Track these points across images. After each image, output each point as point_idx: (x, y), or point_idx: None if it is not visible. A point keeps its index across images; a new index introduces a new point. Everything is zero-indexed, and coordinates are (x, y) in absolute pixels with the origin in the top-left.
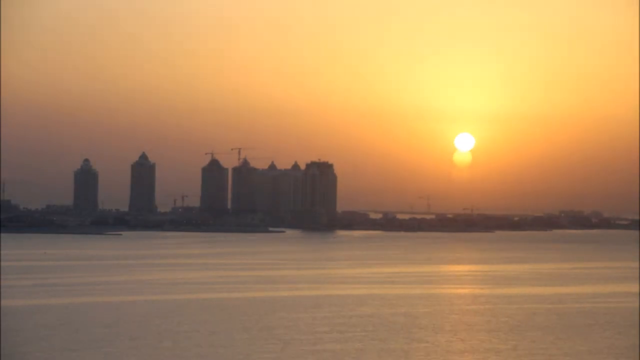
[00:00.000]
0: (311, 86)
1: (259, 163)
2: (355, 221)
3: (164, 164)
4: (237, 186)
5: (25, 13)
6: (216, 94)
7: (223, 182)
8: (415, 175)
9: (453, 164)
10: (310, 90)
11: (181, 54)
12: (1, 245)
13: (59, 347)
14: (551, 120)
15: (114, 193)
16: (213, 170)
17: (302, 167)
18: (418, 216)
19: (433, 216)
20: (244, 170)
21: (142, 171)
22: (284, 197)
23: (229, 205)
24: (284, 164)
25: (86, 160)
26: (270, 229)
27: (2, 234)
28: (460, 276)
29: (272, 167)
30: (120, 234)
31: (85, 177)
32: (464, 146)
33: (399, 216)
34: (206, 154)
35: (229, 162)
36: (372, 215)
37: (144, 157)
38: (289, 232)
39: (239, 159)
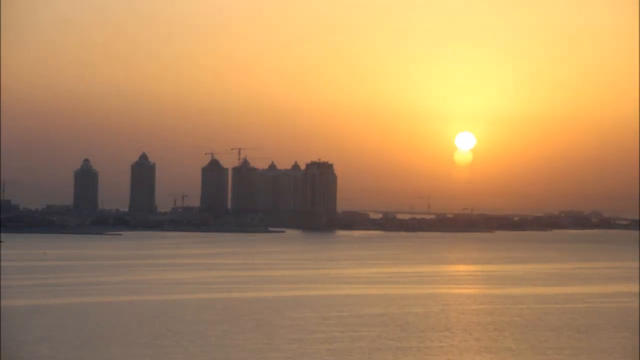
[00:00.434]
0: (311, 86)
1: (259, 163)
2: (355, 221)
3: (164, 164)
4: (237, 186)
5: (25, 13)
6: (216, 94)
7: (223, 182)
8: (415, 175)
9: (454, 163)
10: (311, 91)
11: (181, 54)
12: (1, 245)
13: (59, 347)
14: (551, 121)
15: (114, 193)
16: (213, 170)
17: (302, 167)
18: (418, 216)
19: (433, 216)
20: (244, 170)
21: (142, 171)
22: (284, 197)
23: (229, 205)
24: (284, 164)
25: (86, 160)
26: (270, 229)
27: (2, 234)
28: (461, 276)
29: (272, 167)
30: (120, 234)
31: (85, 177)
32: (465, 145)
33: (399, 216)
34: (206, 154)
35: (229, 162)
36: (372, 215)
37: (144, 157)
38: (289, 232)
39: (239, 159)
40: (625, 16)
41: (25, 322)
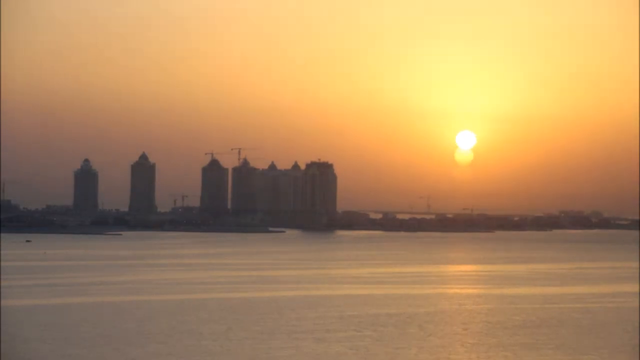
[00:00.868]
0: (311, 86)
1: (259, 163)
2: (355, 221)
3: (164, 164)
4: (237, 186)
5: (25, 13)
6: (216, 95)
7: (223, 182)
8: (415, 175)
9: (454, 162)
10: (311, 91)
11: (181, 54)
12: (1, 245)
13: (59, 347)
14: (551, 121)
15: (114, 193)
16: (213, 170)
17: (302, 167)
18: (418, 216)
19: (433, 216)
20: (244, 170)
21: (142, 171)
22: (284, 197)
23: (229, 205)
24: (284, 164)
25: (86, 160)
26: (270, 229)
27: (2, 234)
28: (461, 276)
29: (272, 167)
30: (120, 234)
31: (85, 177)
32: (466, 144)
33: (399, 216)
34: (206, 154)
35: (229, 162)
36: (372, 215)
37: (144, 157)
38: (289, 232)
39: (239, 159)
40: (626, 17)
41: (25, 322)
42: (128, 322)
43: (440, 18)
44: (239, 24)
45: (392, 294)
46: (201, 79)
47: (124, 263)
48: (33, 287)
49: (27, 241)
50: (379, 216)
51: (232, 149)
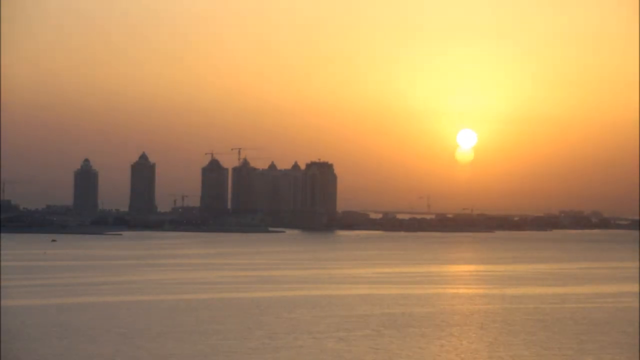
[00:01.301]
0: (311, 86)
1: (259, 163)
2: (355, 221)
3: (164, 164)
4: (237, 186)
5: (25, 13)
6: (216, 95)
7: (223, 182)
8: (415, 175)
9: (455, 160)
10: (311, 91)
11: (181, 54)
12: (1, 245)
13: (59, 347)
14: (551, 121)
15: (114, 193)
16: (213, 170)
17: (302, 167)
18: (418, 216)
19: (433, 216)
20: (244, 170)
21: (142, 171)
22: (284, 197)
23: (229, 205)
24: (284, 164)
25: (86, 160)
26: (270, 229)
27: (2, 234)
28: (462, 276)
29: (272, 167)
30: (120, 234)
31: (85, 177)
32: (466, 143)
33: (399, 216)
34: (206, 154)
35: (229, 162)
36: (372, 215)
37: (144, 157)
38: (289, 232)
39: (239, 159)
40: (626, 19)
41: (25, 322)
42: (128, 322)
43: (441, 18)
44: (239, 25)
45: (394, 294)
46: (201, 79)
47: (124, 263)
48: (33, 287)
49: (53, 240)
50: (379, 216)
51: (232, 149)
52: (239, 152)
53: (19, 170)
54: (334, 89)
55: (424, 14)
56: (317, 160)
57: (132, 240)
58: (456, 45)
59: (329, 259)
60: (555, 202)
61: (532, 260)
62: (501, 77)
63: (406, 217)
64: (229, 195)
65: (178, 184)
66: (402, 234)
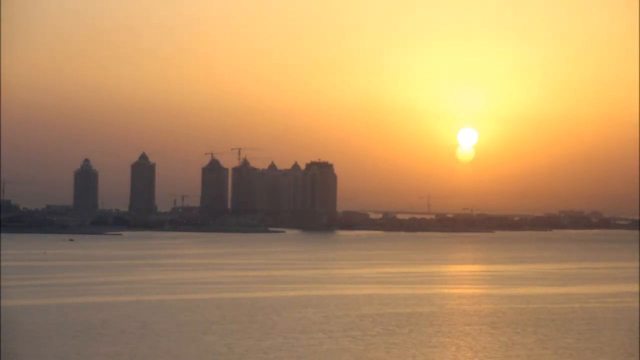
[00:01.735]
0: (311, 86)
1: (259, 163)
2: (355, 221)
3: (164, 164)
4: (237, 186)
5: (25, 13)
6: (216, 95)
7: (223, 182)
8: (415, 175)
9: (456, 159)
10: (311, 91)
11: (181, 54)
12: (1, 245)
13: (60, 347)
14: (551, 121)
15: (114, 193)
16: (213, 170)
17: (302, 167)
18: (418, 216)
19: (433, 216)
20: (244, 170)
21: (142, 171)
22: (284, 197)
23: (229, 205)
24: (284, 164)
25: (86, 160)
26: (270, 229)
27: (2, 234)
28: (462, 276)
29: (272, 167)
30: (120, 234)
31: (85, 177)
32: (467, 142)
33: (399, 216)
34: (206, 154)
35: (229, 162)
36: (372, 215)
37: (144, 157)
38: (289, 232)
39: (239, 159)
40: (626, 19)
41: (25, 322)
42: (129, 322)
43: (441, 18)
44: (239, 25)
45: (395, 294)
46: (201, 79)
47: (125, 263)
48: (33, 287)
49: (70, 240)
50: (379, 216)
51: (232, 149)
52: (239, 152)
53: (19, 170)
54: (334, 89)
55: (424, 14)
56: (317, 160)
57: (132, 240)
58: (456, 45)
59: (330, 259)
60: (555, 202)
61: (532, 260)
62: (502, 77)
63: (406, 217)
64: (229, 195)
65: (178, 184)
66: (402, 234)
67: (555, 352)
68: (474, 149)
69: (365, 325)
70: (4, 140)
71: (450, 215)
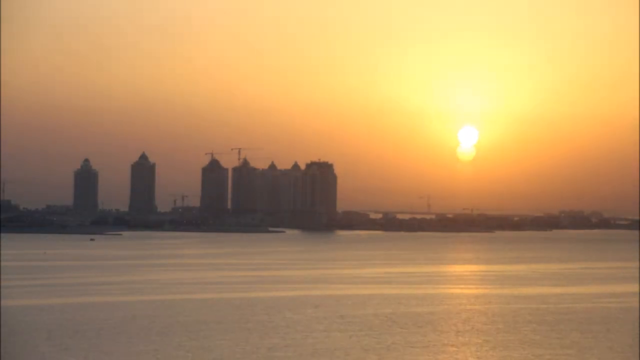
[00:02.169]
0: (311, 87)
1: (259, 163)
2: (355, 221)
3: (164, 164)
4: (237, 186)
5: (25, 13)
6: (216, 95)
7: (223, 182)
8: (415, 175)
9: (456, 158)
10: (311, 91)
11: (181, 54)
12: (1, 245)
13: (59, 347)
14: (551, 122)
15: (114, 193)
16: (213, 170)
17: (302, 167)
18: (418, 216)
19: (433, 216)
20: (244, 170)
21: (142, 171)
22: (284, 197)
23: (229, 205)
24: (284, 164)
25: (86, 160)
26: (270, 229)
27: (2, 234)
28: (463, 276)
29: (272, 167)
30: (121, 234)
31: (85, 177)
32: (468, 140)
33: (399, 216)
34: (206, 154)
35: (229, 162)
36: (372, 215)
37: (144, 157)
38: (289, 232)
39: (239, 159)
40: (625, 19)
41: (25, 322)
42: (129, 322)
43: (441, 18)
44: (240, 25)
45: (396, 294)
46: (201, 79)
47: (125, 263)
48: (33, 287)
49: (91, 240)
50: (379, 216)
51: (232, 149)
52: (239, 152)
53: (19, 170)
54: (334, 89)
55: (424, 15)
56: (317, 160)
57: (132, 240)
58: (457, 45)
59: (330, 259)
60: (555, 202)
61: (533, 260)
62: (502, 77)
63: (406, 217)
64: (229, 195)
65: (178, 184)
66: (402, 234)
67: (555, 352)
68: (474, 148)
69: (365, 325)
70: (4, 140)
71: (450, 215)
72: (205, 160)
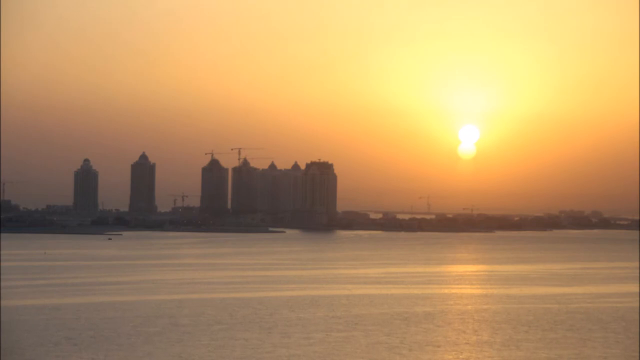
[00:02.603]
0: (311, 87)
1: (259, 163)
2: (355, 221)
3: (164, 164)
4: (237, 186)
5: (25, 14)
6: (216, 95)
7: (223, 182)
8: (415, 176)
9: (457, 156)
10: (311, 91)
11: (182, 54)
12: (1, 245)
13: (59, 346)
14: (552, 122)
15: (114, 193)
16: (213, 170)
17: (302, 167)
18: (418, 216)
19: (433, 216)
20: (244, 170)
21: (142, 171)
22: (284, 197)
23: (229, 205)
24: (284, 164)
25: (86, 160)
26: (270, 229)
27: (2, 234)
28: (463, 276)
29: (272, 167)
30: (121, 234)
31: (85, 177)
32: (469, 139)
33: (399, 216)
34: (206, 154)
35: (229, 162)
36: (373, 216)
37: (144, 157)
38: (289, 232)
39: (239, 159)
40: (628, 20)
41: (25, 322)
42: (129, 322)
43: (441, 19)
44: (241, 25)
45: (396, 294)
46: (201, 80)
47: (125, 263)
48: (33, 287)
49: (109, 239)
50: (379, 216)
51: (232, 149)
52: (239, 152)
53: (19, 170)
54: (334, 90)
55: (426, 14)
56: (317, 160)
57: (132, 240)
58: (458, 45)
59: (330, 259)
60: (555, 202)
61: (533, 260)
62: (504, 77)
63: (406, 217)
64: (229, 195)
65: (178, 184)
66: (402, 234)
67: (556, 351)
68: (475, 147)
69: (366, 325)
70: (4, 140)
71: (450, 215)
72: (205, 160)
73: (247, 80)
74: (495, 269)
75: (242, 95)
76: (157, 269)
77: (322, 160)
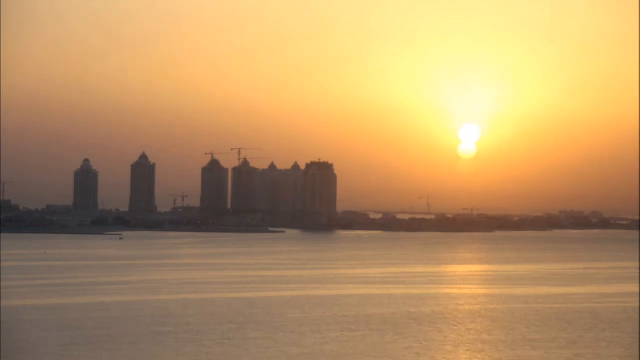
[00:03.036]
0: (311, 87)
1: (259, 163)
2: (355, 221)
3: (164, 164)
4: (237, 186)
5: (25, 14)
6: (216, 95)
7: (223, 182)
8: (415, 176)
9: (458, 156)
10: (311, 91)
11: (181, 54)
12: (1, 245)
13: (59, 347)
14: (552, 122)
15: (114, 193)
16: (213, 170)
17: (302, 167)
18: (418, 216)
19: (433, 216)
20: (244, 170)
21: (142, 171)
22: (284, 197)
23: (229, 205)
24: (284, 164)
25: (86, 160)
26: (270, 229)
27: (2, 234)
28: (465, 277)
29: (272, 167)
30: (121, 234)
31: (85, 177)
32: (469, 138)
33: (399, 216)
34: (206, 154)
35: (229, 162)
36: (373, 216)
37: (144, 157)
38: (289, 232)
39: (239, 159)
40: (630, 22)
41: (25, 322)
42: (129, 322)
43: (441, 19)
44: (241, 26)
45: (397, 294)
46: (201, 79)
47: (125, 263)
48: (33, 287)
49: (120, 238)
50: (379, 216)
51: (232, 149)
52: (239, 152)
53: (19, 170)
54: (334, 90)
55: (428, 14)
56: (317, 160)
57: (132, 240)
58: (460, 44)
59: (331, 259)
60: (555, 202)
61: (534, 260)
62: (505, 77)
63: (406, 217)
64: (229, 195)
65: (178, 184)
66: (402, 234)
67: (556, 351)
68: (476, 146)
69: (377, 324)
70: (4, 140)
71: (450, 215)
72: (205, 160)
73: (246, 80)
74: (497, 269)
75: (242, 96)
76: (157, 269)
77: (322, 160)
